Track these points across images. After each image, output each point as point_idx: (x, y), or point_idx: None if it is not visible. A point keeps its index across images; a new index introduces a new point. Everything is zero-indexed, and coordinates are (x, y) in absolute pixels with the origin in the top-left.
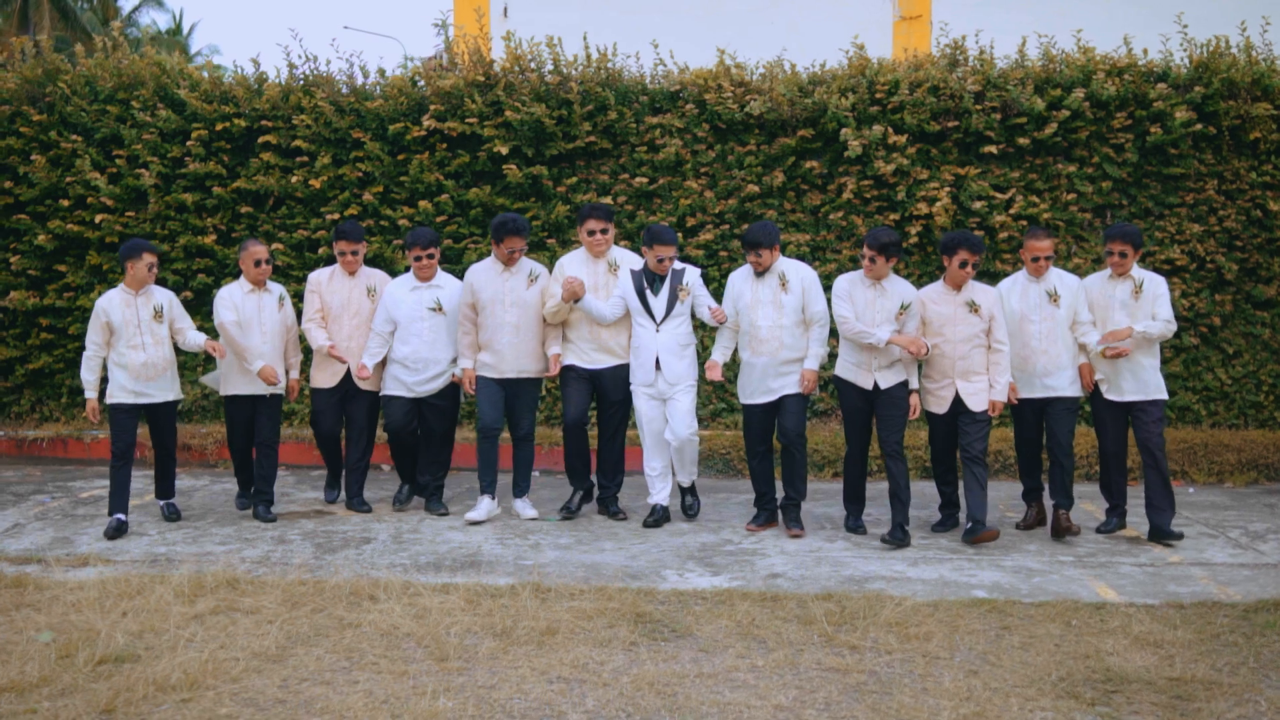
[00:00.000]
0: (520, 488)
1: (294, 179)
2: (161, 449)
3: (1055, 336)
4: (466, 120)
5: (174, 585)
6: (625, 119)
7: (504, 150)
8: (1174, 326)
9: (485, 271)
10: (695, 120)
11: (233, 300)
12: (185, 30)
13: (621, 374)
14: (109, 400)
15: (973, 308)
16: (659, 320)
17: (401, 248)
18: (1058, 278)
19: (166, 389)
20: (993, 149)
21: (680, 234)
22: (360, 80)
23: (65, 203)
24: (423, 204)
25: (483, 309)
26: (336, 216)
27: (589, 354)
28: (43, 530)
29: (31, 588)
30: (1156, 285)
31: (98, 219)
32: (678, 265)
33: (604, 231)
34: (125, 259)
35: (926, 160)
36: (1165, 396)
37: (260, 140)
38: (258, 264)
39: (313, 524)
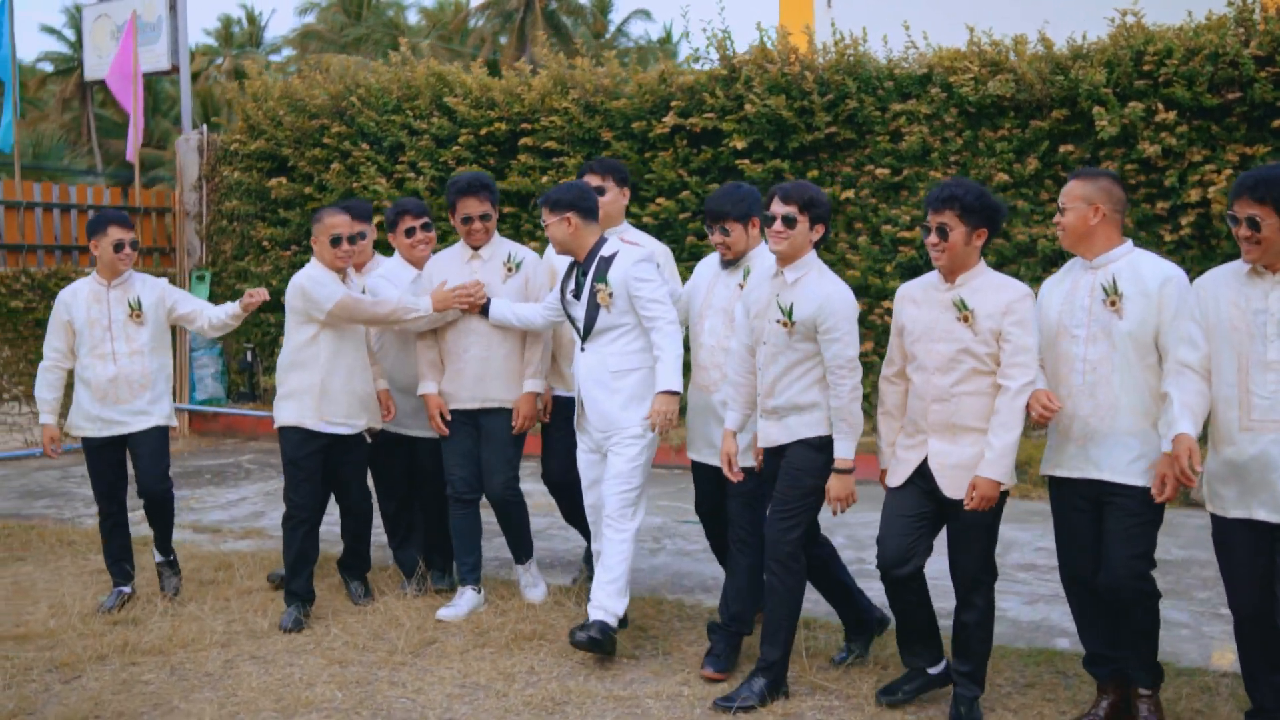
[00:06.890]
0: (523, 552)
1: (544, 179)
2: (146, 497)
3: (1111, 371)
4: (705, 115)
5: (219, 561)
6: (867, 107)
7: (741, 144)
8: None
9: (448, 262)
10: (943, 105)
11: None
12: (675, 38)
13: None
14: (74, 431)
15: (961, 312)
16: (583, 335)
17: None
18: (1130, 265)
19: (147, 412)
20: None
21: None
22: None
23: None
24: (663, 201)
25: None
26: None
27: (571, 377)
28: (254, 504)
29: None
30: None
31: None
32: (608, 250)
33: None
34: (89, 237)
35: (1207, 139)
36: None
37: (520, 143)
38: (336, 242)
39: None
